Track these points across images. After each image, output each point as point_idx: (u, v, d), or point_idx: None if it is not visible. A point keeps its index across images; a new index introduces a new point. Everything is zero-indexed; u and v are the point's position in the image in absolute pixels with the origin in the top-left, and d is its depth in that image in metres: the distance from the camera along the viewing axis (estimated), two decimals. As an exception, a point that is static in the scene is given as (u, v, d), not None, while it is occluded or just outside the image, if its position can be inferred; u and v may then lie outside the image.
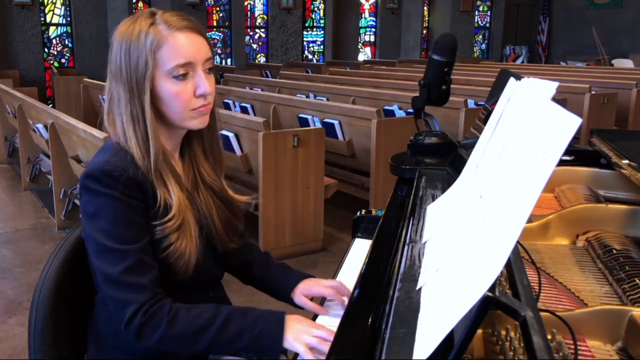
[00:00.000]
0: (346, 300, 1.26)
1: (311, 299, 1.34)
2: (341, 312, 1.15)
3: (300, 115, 4.52)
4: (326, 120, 4.28)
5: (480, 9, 14.62)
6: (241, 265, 1.43)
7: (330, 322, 1.24)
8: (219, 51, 11.25)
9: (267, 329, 1.11)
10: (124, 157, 1.16)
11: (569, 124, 0.68)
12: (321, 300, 1.34)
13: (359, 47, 13.44)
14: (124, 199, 1.12)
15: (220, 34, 11.32)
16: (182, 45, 1.14)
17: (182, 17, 1.18)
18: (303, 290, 1.34)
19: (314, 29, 12.70)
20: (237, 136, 3.74)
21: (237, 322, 1.12)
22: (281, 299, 1.39)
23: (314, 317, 1.28)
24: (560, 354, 0.81)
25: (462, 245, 0.82)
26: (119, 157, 1.16)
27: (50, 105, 7.55)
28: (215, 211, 1.29)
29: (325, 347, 1.09)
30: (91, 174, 1.13)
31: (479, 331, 0.88)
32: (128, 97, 1.15)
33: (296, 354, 1.11)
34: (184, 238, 1.18)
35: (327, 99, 5.53)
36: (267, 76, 9.01)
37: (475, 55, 14.51)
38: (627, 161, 1.41)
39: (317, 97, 5.77)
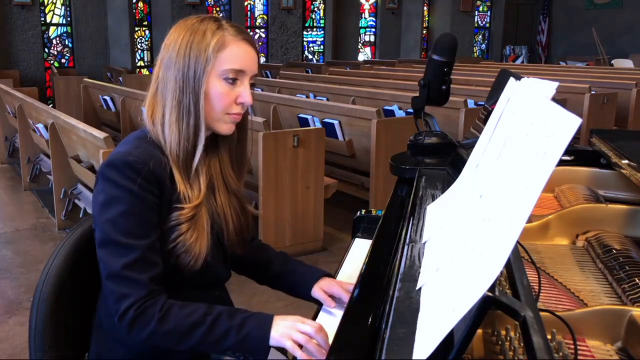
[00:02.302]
0: None
1: None
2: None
3: (300, 115, 4.52)
4: (326, 120, 4.28)
5: (480, 9, 14.63)
6: (258, 265, 1.45)
7: (331, 320, 1.25)
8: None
9: (254, 329, 1.13)
10: (147, 150, 1.18)
11: (569, 124, 0.68)
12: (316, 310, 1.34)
13: (359, 47, 13.45)
14: (141, 193, 1.14)
15: (220, 34, 11.31)
16: (241, 53, 1.22)
17: (244, 30, 1.26)
18: (324, 287, 1.36)
19: (314, 29, 12.71)
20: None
21: (225, 322, 1.13)
22: (300, 294, 1.40)
23: (315, 314, 1.30)
24: (560, 353, 0.81)
25: (462, 245, 0.83)
26: (141, 149, 1.18)
27: (51, 105, 7.55)
28: (231, 216, 1.31)
29: (312, 346, 1.10)
30: (112, 164, 1.15)
31: (479, 331, 0.88)
32: (180, 85, 1.19)
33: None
34: (195, 230, 1.20)
35: (327, 99, 5.53)
36: (267, 76, 9.01)
37: (475, 55, 14.51)
38: (626, 161, 1.41)
39: (317, 97, 5.77)
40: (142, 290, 1.11)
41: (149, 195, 1.15)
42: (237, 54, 1.21)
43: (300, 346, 1.12)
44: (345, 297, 1.31)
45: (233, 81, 1.21)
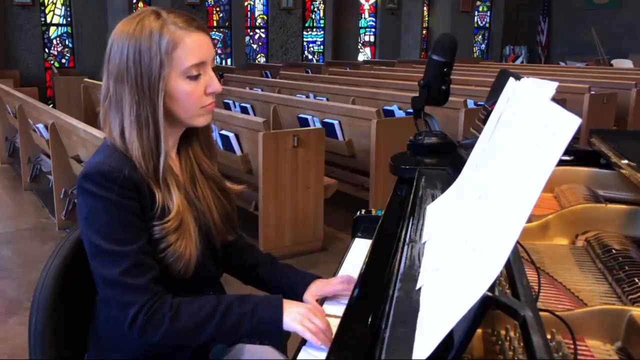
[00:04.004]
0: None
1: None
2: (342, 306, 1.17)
3: (300, 115, 4.52)
4: (326, 120, 4.28)
5: (480, 9, 14.62)
6: (244, 266, 1.44)
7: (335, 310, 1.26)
8: (219, 51, 11.24)
9: (266, 314, 1.13)
10: (120, 158, 1.16)
11: (569, 124, 0.68)
12: (321, 301, 1.34)
13: (359, 47, 13.44)
14: (120, 200, 1.12)
15: (220, 34, 11.32)
16: (196, 45, 1.15)
17: (189, 17, 1.18)
18: (315, 292, 1.34)
19: (314, 29, 12.70)
20: (237, 136, 3.74)
21: (237, 310, 1.14)
22: (289, 298, 1.36)
23: None
24: (560, 353, 0.81)
25: (462, 245, 0.83)
26: (114, 157, 1.16)
27: (51, 105, 7.54)
28: (214, 204, 1.30)
29: (321, 337, 1.10)
30: (88, 175, 1.13)
31: (479, 331, 0.88)
32: (136, 98, 1.13)
33: (296, 353, 1.12)
34: (183, 239, 1.18)
35: (327, 99, 5.53)
36: (267, 76, 9.01)
37: (475, 55, 14.50)
38: (626, 161, 1.41)
39: (317, 97, 5.77)
40: (145, 294, 1.11)
41: (129, 201, 1.13)
42: (193, 47, 1.14)
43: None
44: (340, 289, 1.32)
45: (196, 76, 1.16)
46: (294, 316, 1.13)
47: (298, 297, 1.35)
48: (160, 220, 1.16)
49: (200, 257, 1.22)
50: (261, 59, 11.89)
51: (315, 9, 12.61)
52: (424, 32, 13.92)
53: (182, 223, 1.19)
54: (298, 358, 1.11)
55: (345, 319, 1.01)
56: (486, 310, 0.67)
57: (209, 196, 1.30)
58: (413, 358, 0.72)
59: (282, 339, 1.15)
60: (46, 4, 9.74)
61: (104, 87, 1.19)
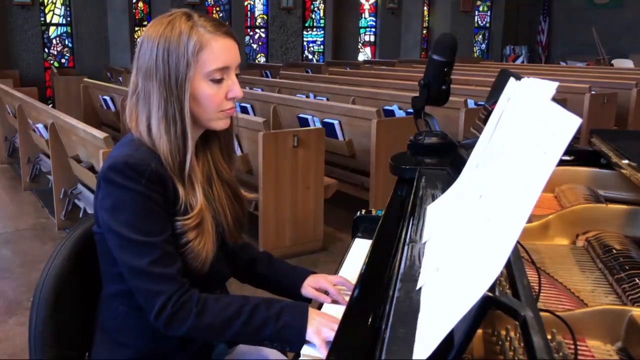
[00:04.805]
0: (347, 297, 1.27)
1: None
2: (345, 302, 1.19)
3: (300, 115, 4.52)
4: (326, 120, 4.28)
5: (480, 9, 14.62)
6: (242, 263, 1.45)
7: (337, 310, 1.26)
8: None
9: (291, 321, 1.14)
10: (147, 152, 1.17)
11: (569, 123, 0.68)
12: (319, 305, 1.34)
13: (359, 47, 13.44)
14: (146, 192, 1.13)
15: (220, 34, 11.31)
16: (222, 49, 1.18)
17: (219, 22, 1.21)
18: (311, 283, 1.37)
19: (314, 29, 12.71)
20: (237, 136, 3.73)
21: (263, 312, 1.14)
22: (288, 293, 1.40)
23: (320, 306, 1.31)
24: (560, 354, 0.81)
25: (462, 245, 0.82)
26: (141, 151, 1.17)
27: (50, 105, 7.54)
28: (228, 207, 1.32)
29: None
30: (115, 167, 1.14)
31: (479, 331, 0.88)
32: (164, 95, 1.16)
33: (296, 354, 1.12)
34: (202, 237, 1.20)
35: (327, 99, 5.53)
36: (267, 76, 9.01)
37: (475, 55, 14.51)
38: (627, 161, 1.41)
39: (317, 97, 5.77)
40: (173, 284, 1.12)
41: (154, 194, 1.14)
42: (219, 52, 1.17)
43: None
44: (332, 290, 1.33)
45: (219, 80, 1.18)
46: (317, 326, 1.13)
47: (297, 291, 1.38)
48: (181, 216, 1.18)
49: (214, 257, 1.23)
50: (261, 59, 11.89)
51: (315, 9, 12.62)
52: (424, 32, 13.92)
53: (203, 221, 1.20)
54: (300, 358, 1.11)
55: (345, 319, 1.01)
56: (486, 310, 0.67)
57: (223, 199, 1.31)
58: (413, 358, 0.72)
59: (302, 347, 1.14)
60: (46, 3, 9.74)
61: (132, 82, 1.21)
